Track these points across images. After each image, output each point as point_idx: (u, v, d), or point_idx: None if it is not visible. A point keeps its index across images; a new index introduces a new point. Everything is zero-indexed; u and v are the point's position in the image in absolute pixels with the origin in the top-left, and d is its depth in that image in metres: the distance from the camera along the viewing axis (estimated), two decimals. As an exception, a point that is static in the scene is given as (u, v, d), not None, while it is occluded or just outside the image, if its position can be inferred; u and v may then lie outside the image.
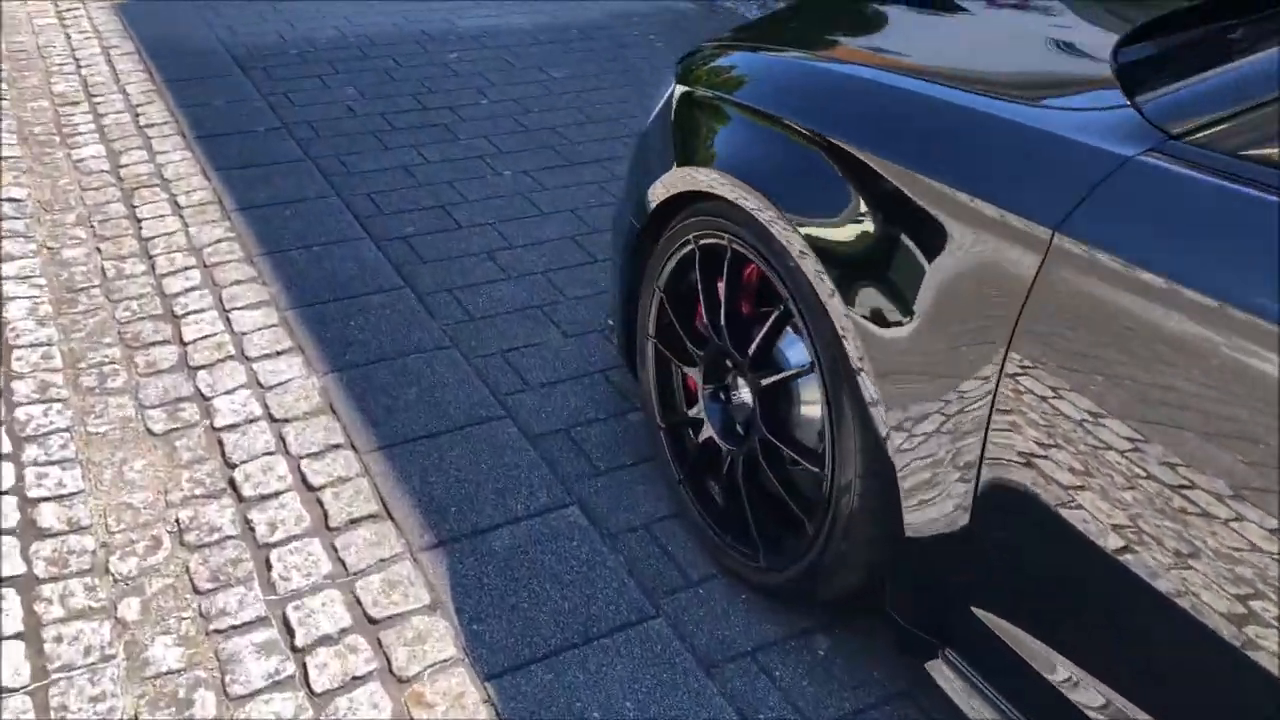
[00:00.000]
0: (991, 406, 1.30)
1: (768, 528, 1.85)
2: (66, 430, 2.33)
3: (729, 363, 1.90)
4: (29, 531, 2.04)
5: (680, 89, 2.05)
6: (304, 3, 5.57)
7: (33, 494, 2.13)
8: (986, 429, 1.31)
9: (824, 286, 1.54)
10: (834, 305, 1.52)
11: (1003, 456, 1.31)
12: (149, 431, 2.35)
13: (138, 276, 2.96)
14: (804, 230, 1.57)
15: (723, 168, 1.77)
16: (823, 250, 1.55)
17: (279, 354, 2.63)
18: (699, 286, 1.91)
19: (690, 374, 2.03)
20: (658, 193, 1.99)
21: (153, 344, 2.66)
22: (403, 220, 3.37)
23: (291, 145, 3.85)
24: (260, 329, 2.73)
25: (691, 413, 2.02)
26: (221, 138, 3.87)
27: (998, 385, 1.28)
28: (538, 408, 2.49)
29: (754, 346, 1.77)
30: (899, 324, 1.41)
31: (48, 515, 2.08)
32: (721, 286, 1.85)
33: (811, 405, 1.77)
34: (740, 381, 1.88)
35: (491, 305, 2.92)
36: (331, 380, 2.54)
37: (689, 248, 1.92)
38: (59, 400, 2.42)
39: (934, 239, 1.36)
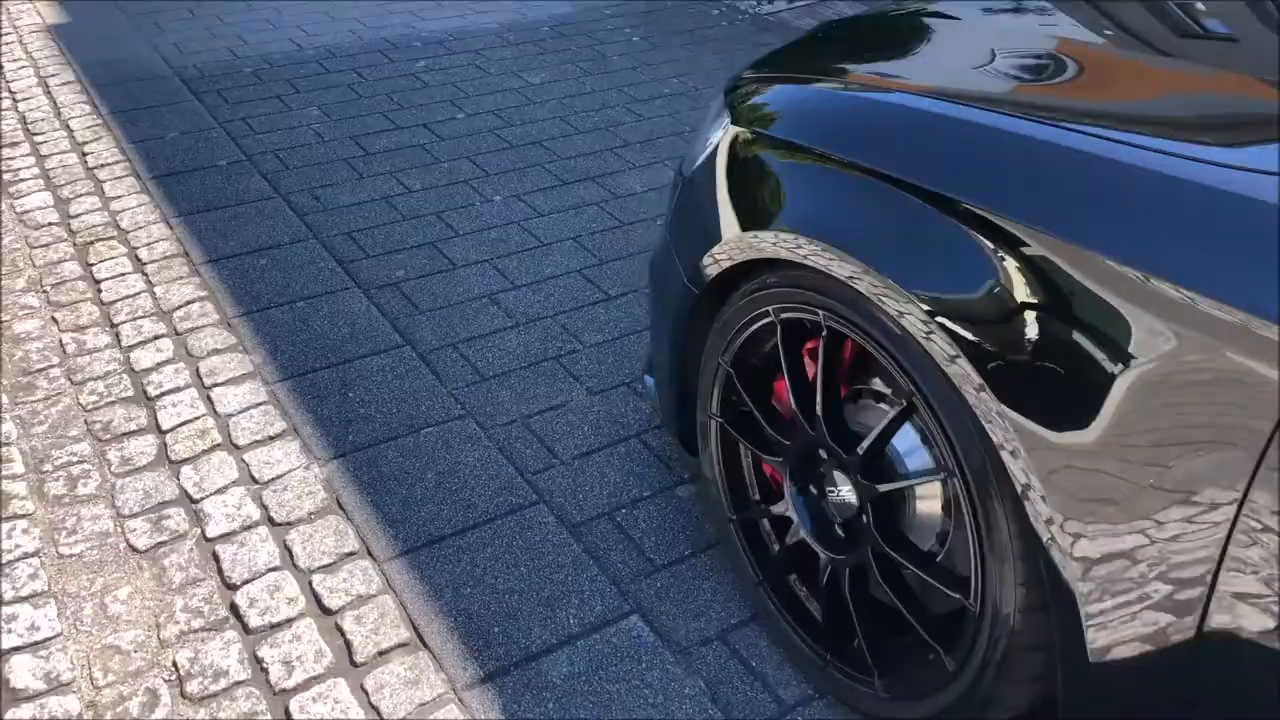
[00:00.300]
0: (1228, 537, 1.05)
1: (881, 641, 1.59)
2: (35, 555, 2.01)
3: (822, 452, 1.63)
4: (1, 696, 1.73)
5: (733, 131, 1.77)
6: (252, 14, 5.19)
7: (2, 643, 1.82)
8: (1220, 564, 1.06)
9: (967, 378, 1.27)
10: (984, 402, 1.25)
11: (1245, 596, 1.06)
12: (132, 548, 2.04)
13: (101, 351, 2.62)
14: (932, 310, 1.30)
15: (811, 233, 1.49)
16: (964, 335, 1.27)
17: (272, 439, 2.32)
18: (784, 366, 1.64)
19: (770, 463, 1.75)
20: (718, 259, 1.71)
21: (126, 434, 2.33)
22: (391, 263, 3.05)
23: (258, 180, 3.51)
24: (248, 409, 2.41)
25: (775, 509, 1.75)
26: (180, 176, 3.51)
27: (1239, 513, 1.03)
28: (572, 487, 2.21)
29: (866, 446, 1.50)
30: (1084, 430, 1.15)
31: (22, 672, 1.77)
32: (815, 371, 1.58)
33: (930, 500, 1.51)
34: (839, 476, 1.61)
35: (503, 360, 2.63)
36: (336, 469, 2.24)
37: (767, 320, 1.64)
38: (24, 516, 2.10)
39: (1133, 334, 1.10)
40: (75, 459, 2.26)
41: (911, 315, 1.34)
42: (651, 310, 2.15)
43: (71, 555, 2.02)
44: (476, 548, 2.03)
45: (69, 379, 2.52)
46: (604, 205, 3.43)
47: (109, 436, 2.33)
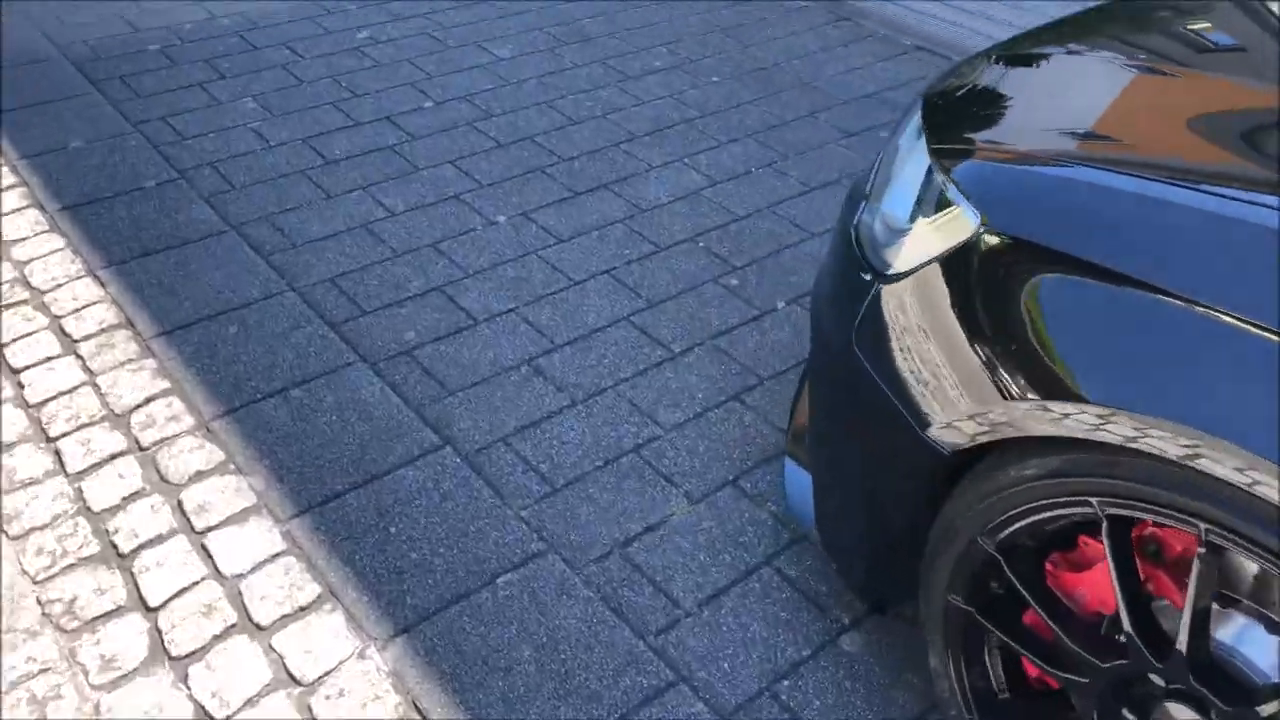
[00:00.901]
0: None
1: None
2: (7, 840, 1.44)
3: (1155, 675, 1.20)
4: None
5: (987, 236, 1.28)
6: (145, -30, 4.34)
7: None
8: None
9: None
10: None
11: None
12: (145, 811, 1.48)
13: (41, 481, 1.99)
14: None
15: (1199, 424, 1.04)
16: None
17: (305, 611, 1.76)
18: (1114, 578, 1.19)
19: (1060, 680, 1.31)
20: (984, 430, 1.25)
21: (101, 618, 1.74)
22: (396, 321, 2.46)
23: (200, 208, 2.83)
24: (262, 564, 1.84)
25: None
26: (98, 206, 2.80)
27: None
28: (711, 651, 1.74)
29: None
30: None
31: None
32: (1181, 600, 1.14)
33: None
34: (1180, 708, 1.19)
35: (570, 459, 2.10)
36: (401, 653, 1.71)
37: (1081, 510, 1.19)
38: (-22, 773, 1.52)
39: None
40: (37, 666, 1.67)
41: None
42: (821, 417, 1.67)
43: (61, 833, 1.46)
44: (622, 772, 1.56)
45: (3, 529, 1.90)
46: (630, 223, 2.89)
47: (77, 624, 1.73)
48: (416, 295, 2.55)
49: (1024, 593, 1.30)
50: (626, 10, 4.25)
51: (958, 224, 1.35)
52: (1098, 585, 1.30)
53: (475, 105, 3.46)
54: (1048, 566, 1.36)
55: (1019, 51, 1.72)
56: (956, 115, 1.57)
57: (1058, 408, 1.18)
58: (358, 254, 2.68)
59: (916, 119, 1.65)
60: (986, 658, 1.44)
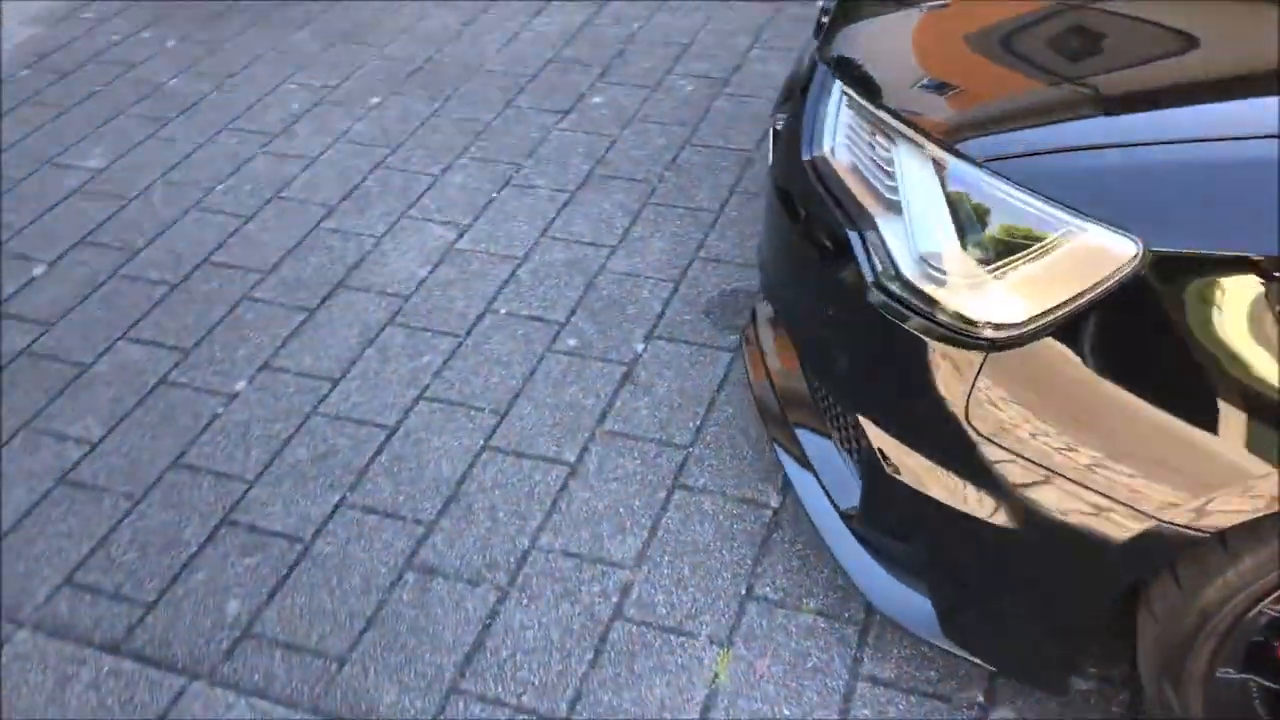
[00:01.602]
0: None
1: None
2: None
3: None
4: None
5: (1168, 261, 0.94)
6: None
7: None
8: None
9: None
10: None
11: None
12: None
13: None
14: None
15: None
16: None
17: None
18: None
19: None
20: (1260, 498, 0.95)
21: None
22: (198, 598, 1.74)
23: None
24: None
25: None
26: None
27: None
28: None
29: None
30: None
31: None
32: None
33: None
34: None
35: (552, 670, 1.57)
36: None
37: None
38: None
39: None
40: None
41: None
42: (925, 520, 1.31)
43: None
44: None
45: None
46: (402, 322, 2.28)
47: None
48: (203, 545, 1.83)
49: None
50: (212, 52, 3.43)
51: (1088, 253, 1.00)
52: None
53: (104, 246, 2.60)
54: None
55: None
56: (923, 95, 1.21)
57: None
58: (81, 525, 1.88)
59: (839, 106, 1.28)
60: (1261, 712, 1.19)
